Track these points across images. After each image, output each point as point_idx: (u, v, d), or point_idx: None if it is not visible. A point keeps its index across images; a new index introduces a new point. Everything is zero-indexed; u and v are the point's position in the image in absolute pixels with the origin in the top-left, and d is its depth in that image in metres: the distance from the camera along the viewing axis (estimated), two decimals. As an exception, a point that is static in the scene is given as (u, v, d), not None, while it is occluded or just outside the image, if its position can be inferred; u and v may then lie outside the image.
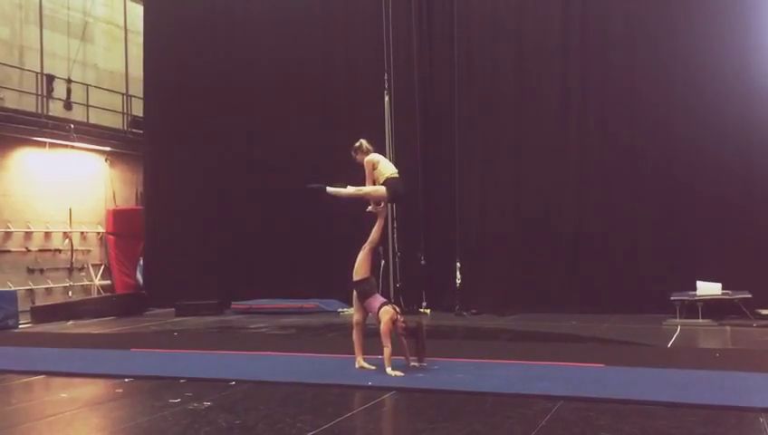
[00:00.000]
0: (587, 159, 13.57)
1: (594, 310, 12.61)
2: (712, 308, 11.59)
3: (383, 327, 7.60)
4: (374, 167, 8.06)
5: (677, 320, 11.49)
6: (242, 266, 15.88)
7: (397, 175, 8.10)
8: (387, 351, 7.56)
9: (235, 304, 15.48)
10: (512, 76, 14.12)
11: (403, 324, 7.69)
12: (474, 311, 13.43)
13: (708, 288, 11.65)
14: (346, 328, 12.58)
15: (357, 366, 7.92)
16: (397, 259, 14.46)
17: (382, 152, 14.54)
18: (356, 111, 15.37)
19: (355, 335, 8.02)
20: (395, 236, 14.52)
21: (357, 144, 8.32)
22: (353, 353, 8.09)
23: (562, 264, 13.47)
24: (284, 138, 15.85)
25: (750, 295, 11.50)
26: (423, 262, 14.22)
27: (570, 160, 13.67)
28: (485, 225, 14.10)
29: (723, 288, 11.65)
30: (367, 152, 8.22)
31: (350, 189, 8.16)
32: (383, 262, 14.53)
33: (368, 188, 8.13)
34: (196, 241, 16.39)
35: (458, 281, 13.90)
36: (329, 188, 8.21)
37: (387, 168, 8.12)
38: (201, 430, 5.73)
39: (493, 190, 14.14)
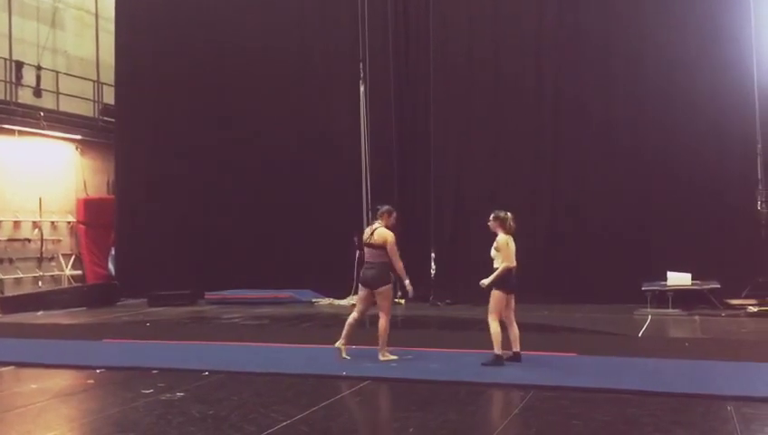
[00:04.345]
0: (561, 151, 13.64)
1: (567, 300, 12.72)
2: (682, 298, 11.77)
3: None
4: (498, 249, 7.47)
5: (648, 310, 11.65)
6: (215, 256, 15.76)
7: (513, 266, 7.51)
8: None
9: (209, 295, 15.37)
10: (487, 65, 14.15)
11: None
12: (448, 301, 13.48)
13: (678, 278, 11.82)
14: (320, 318, 12.63)
15: (338, 348, 7.84)
16: (371, 249, 14.44)
17: (358, 141, 14.71)
18: (331, 99, 15.34)
19: (350, 326, 7.86)
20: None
21: (503, 215, 7.60)
22: (327, 343, 8.07)
23: (536, 254, 13.49)
24: (258, 126, 15.73)
25: (719, 286, 11.70)
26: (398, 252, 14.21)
27: (545, 152, 13.75)
28: (460, 215, 14.14)
29: (693, 279, 11.82)
30: (509, 229, 7.55)
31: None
32: (358, 252, 14.52)
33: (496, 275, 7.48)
34: (169, 231, 16.23)
35: (433, 271, 13.94)
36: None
37: (510, 257, 7.47)
38: (173, 421, 5.69)
39: (468, 180, 14.18)
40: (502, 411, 5.74)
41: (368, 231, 7.89)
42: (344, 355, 7.80)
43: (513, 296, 7.53)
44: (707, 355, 7.90)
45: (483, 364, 7.32)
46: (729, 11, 12.63)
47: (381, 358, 7.69)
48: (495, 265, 7.43)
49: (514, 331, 7.48)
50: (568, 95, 13.65)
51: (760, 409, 5.65)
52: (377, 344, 7.82)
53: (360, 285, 7.90)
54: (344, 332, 7.86)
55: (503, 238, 7.47)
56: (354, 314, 7.86)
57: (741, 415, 5.44)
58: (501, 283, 7.40)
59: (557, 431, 5.22)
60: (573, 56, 13.58)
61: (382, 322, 7.69)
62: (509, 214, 7.61)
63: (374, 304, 7.79)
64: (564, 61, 13.65)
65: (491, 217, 7.65)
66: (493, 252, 7.51)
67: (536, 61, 13.86)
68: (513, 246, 7.49)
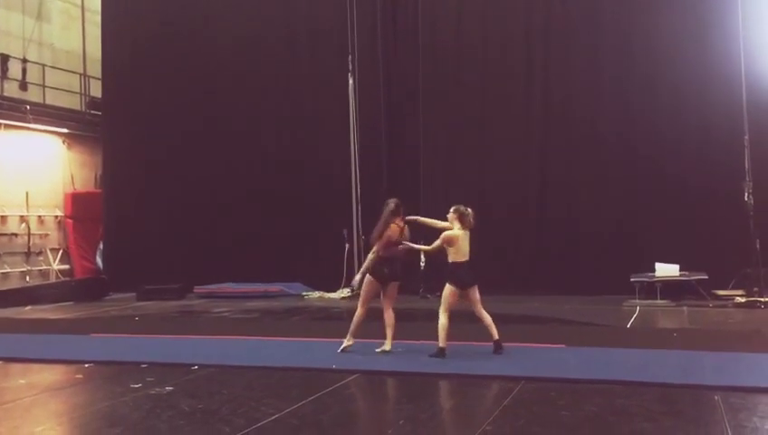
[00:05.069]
0: (550, 143, 13.69)
1: (555, 291, 12.77)
2: (670, 289, 11.83)
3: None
4: (450, 243, 7.46)
5: (637, 301, 11.71)
6: (204, 250, 15.71)
7: (464, 261, 7.52)
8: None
9: (198, 289, 15.32)
10: (476, 58, 14.15)
11: None
12: (438, 294, 13.38)
13: (666, 270, 11.89)
14: (310, 312, 12.62)
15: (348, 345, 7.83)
16: (361, 242, 14.47)
17: (347, 134, 14.68)
18: (320, 93, 15.30)
19: (360, 322, 7.81)
20: (359, 219, 14.53)
21: (462, 209, 7.60)
22: (317, 337, 8.04)
23: (525, 246, 13.60)
24: (247, 119, 15.70)
25: (706, 277, 11.77)
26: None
27: (533, 145, 13.80)
28: (450, 207, 14.12)
29: (680, 270, 11.90)
30: (468, 225, 7.53)
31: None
32: (347, 245, 14.55)
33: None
34: (158, 224, 16.16)
35: (422, 264, 13.94)
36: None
37: (462, 250, 7.50)
38: (163, 415, 5.67)
39: (457, 172, 14.18)
40: (491, 403, 5.75)
41: (395, 229, 7.75)
42: (349, 350, 7.76)
43: (474, 289, 7.51)
44: (695, 346, 7.93)
45: (429, 356, 7.36)
46: (716, 3, 12.66)
47: (389, 348, 7.67)
48: (449, 259, 7.45)
49: (486, 320, 7.49)
50: (556, 88, 13.69)
51: (747, 398, 5.69)
52: (361, 338, 7.81)
53: (381, 280, 7.70)
54: (353, 328, 7.78)
55: (454, 232, 7.45)
56: (361, 311, 7.79)
57: (728, 405, 5.47)
58: (451, 277, 7.43)
59: (546, 422, 5.24)
60: (562, 50, 13.62)
61: (393, 313, 7.75)
62: (470, 210, 7.59)
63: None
64: (553, 54, 13.69)
65: (451, 210, 7.64)
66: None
67: (525, 55, 13.88)
68: (466, 240, 7.49)
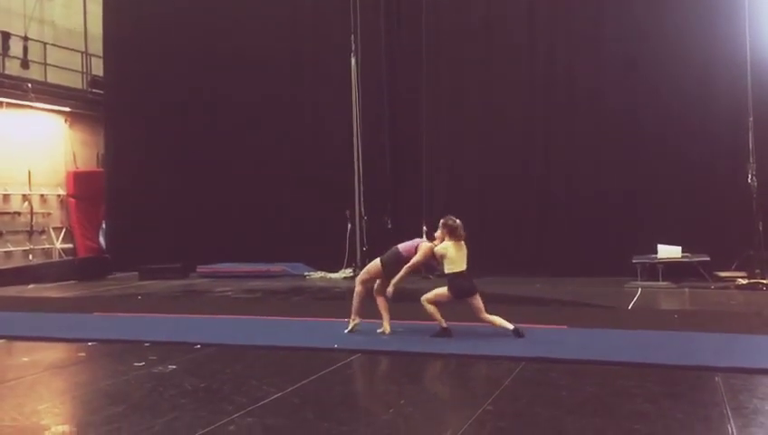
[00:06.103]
0: (552, 126, 13.62)
1: (557, 273, 12.78)
2: (672, 271, 11.85)
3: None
4: (441, 258, 7.43)
5: (638, 282, 11.73)
6: (207, 229, 15.72)
7: (459, 271, 7.41)
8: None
9: (201, 268, 15.37)
10: (479, 36, 14.05)
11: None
12: (439, 274, 13.49)
13: (669, 251, 11.89)
14: (312, 292, 12.66)
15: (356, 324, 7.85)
16: (363, 223, 14.48)
17: (349, 114, 14.63)
18: (322, 73, 15.22)
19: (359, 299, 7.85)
20: (361, 199, 14.52)
21: (451, 222, 7.44)
22: (319, 316, 8.06)
23: (527, 227, 13.60)
24: (249, 99, 15.62)
25: (708, 258, 11.78)
26: (389, 226, 14.24)
27: (535, 125, 13.74)
28: (452, 189, 14.13)
29: (683, 251, 11.90)
30: (459, 237, 7.40)
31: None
32: (349, 226, 14.55)
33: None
34: (160, 204, 16.16)
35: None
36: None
37: (457, 261, 7.40)
38: (165, 394, 5.70)
39: (459, 155, 14.15)
40: (492, 383, 5.77)
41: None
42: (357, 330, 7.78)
43: (475, 298, 7.40)
44: (696, 327, 7.95)
45: (431, 336, 7.40)
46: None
47: (389, 330, 7.71)
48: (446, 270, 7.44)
49: (495, 322, 7.36)
50: (560, 68, 13.60)
51: (747, 380, 5.70)
52: (364, 318, 7.84)
53: (390, 276, 7.68)
54: (357, 307, 7.78)
55: (444, 245, 7.43)
56: (361, 289, 7.80)
57: (729, 386, 5.49)
58: (450, 286, 7.42)
59: (547, 403, 5.25)
60: (565, 28, 13.52)
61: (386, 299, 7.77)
62: (458, 221, 7.48)
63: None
64: (556, 32, 13.60)
65: (440, 224, 7.57)
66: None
67: (529, 33, 13.77)
68: (461, 251, 7.43)
